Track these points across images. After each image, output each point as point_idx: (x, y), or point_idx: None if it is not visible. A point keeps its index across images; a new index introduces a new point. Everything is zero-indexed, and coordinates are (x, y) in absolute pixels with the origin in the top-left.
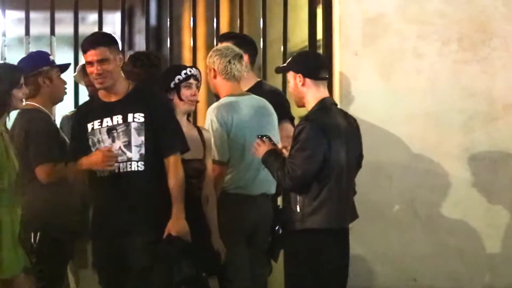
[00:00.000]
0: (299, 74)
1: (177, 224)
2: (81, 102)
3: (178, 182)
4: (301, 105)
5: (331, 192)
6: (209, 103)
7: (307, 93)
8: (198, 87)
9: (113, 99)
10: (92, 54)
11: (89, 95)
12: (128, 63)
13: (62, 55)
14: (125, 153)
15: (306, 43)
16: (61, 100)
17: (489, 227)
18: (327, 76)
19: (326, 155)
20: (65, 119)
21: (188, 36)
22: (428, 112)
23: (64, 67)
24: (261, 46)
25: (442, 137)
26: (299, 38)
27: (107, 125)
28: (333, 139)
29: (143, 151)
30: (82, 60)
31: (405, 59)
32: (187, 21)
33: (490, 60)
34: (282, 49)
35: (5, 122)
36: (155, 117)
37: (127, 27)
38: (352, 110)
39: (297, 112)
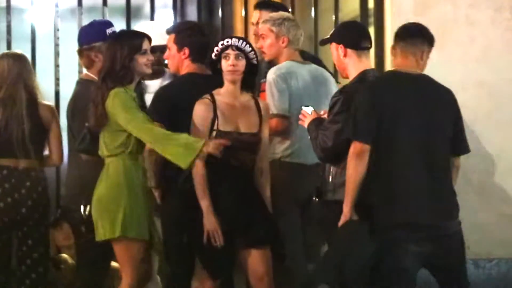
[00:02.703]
0: (341, 45)
1: None
2: None
3: None
4: (345, 76)
5: None
6: None
7: (349, 64)
8: (241, 57)
9: None
10: None
11: None
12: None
13: (115, 26)
14: None
15: (358, 12)
16: None
17: None
18: (369, 46)
19: None
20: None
21: (240, 6)
22: (481, 80)
23: None
24: (313, 16)
25: (495, 105)
26: (350, 7)
27: None
28: None
29: None
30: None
31: (458, 28)
32: None
33: None
34: (333, 18)
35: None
36: None
37: None
38: None
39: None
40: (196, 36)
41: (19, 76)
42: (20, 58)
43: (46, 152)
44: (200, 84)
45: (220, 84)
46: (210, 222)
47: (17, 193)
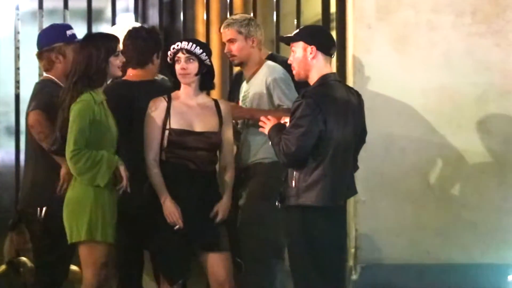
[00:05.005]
0: (312, 46)
1: None
2: None
3: None
4: (303, 78)
5: (326, 169)
6: (222, 75)
7: (313, 67)
8: (192, 59)
9: None
10: None
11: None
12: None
13: (76, 29)
14: None
15: (320, 16)
16: None
17: (502, 200)
18: (333, 54)
19: (322, 132)
20: None
21: (202, 10)
22: (442, 85)
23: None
24: (275, 20)
25: (456, 110)
26: (312, 11)
27: None
28: (330, 116)
29: None
30: None
31: (419, 32)
32: None
33: (504, 33)
34: (295, 22)
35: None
36: None
37: (140, 0)
38: (366, 84)
39: None
40: (128, 39)
41: None
42: None
43: None
44: (120, 91)
45: (154, 94)
46: (168, 207)
47: None
